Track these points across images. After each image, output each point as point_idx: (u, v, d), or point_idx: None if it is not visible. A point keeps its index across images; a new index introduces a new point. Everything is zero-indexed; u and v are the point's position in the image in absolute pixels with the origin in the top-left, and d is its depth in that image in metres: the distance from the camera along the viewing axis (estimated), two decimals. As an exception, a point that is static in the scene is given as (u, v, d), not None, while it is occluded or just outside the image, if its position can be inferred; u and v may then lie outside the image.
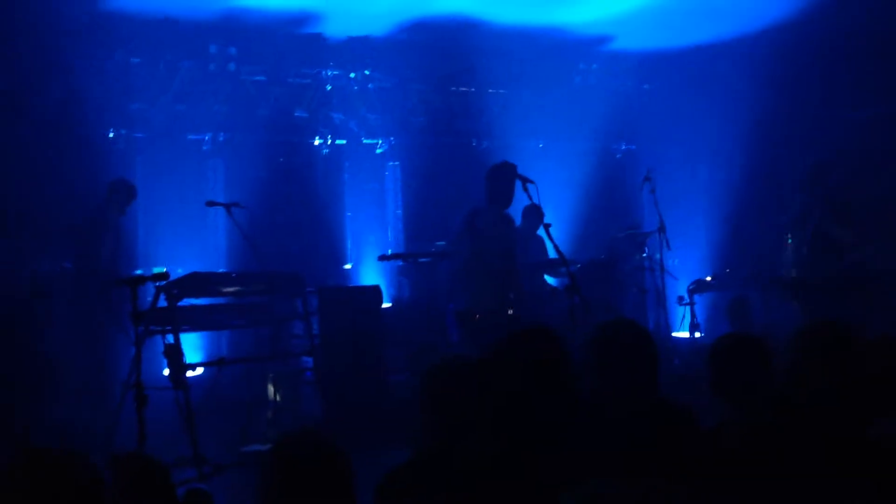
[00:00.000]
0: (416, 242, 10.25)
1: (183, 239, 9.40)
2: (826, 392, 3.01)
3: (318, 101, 10.67)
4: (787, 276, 7.89)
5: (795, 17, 9.65)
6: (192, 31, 9.43)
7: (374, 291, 8.16)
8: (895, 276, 7.59)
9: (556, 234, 6.96)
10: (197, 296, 6.79)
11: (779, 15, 9.72)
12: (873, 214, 8.44)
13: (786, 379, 3.14)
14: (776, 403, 3.14)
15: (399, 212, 11.33)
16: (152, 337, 6.27)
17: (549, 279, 9.52)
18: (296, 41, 10.09)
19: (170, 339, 6.14)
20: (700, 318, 9.37)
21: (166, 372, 6.23)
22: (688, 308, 9.24)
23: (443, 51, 10.41)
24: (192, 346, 8.19)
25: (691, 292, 9.37)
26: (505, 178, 7.22)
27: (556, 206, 10.79)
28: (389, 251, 10.17)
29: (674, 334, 9.70)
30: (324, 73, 10.59)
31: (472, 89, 11.33)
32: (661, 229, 9.08)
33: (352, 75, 10.70)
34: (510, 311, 7.18)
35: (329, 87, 10.67)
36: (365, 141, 11.11)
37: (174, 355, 6.06)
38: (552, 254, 7.57)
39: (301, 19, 9.63)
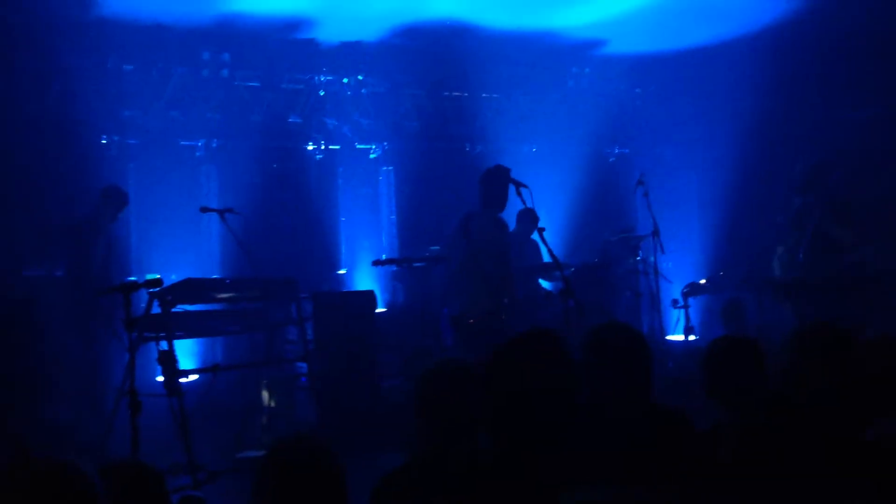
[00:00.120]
0: (411, 247, 10.25)
1: (177, 245, 9.39)
2: (824, 393, 3.02)
3: (311, 106, 10.67)
4: (783, 278, 7.90)
5: (788, 19, 9.68)
6: (185, 37, 9.43)
7: (369, 296, 8.16)
8: (894, 277, 7.61)
9: (550, 238, 6.96)
10: (191, 302, 6.77)
11: (771, 17, 9.75)
12: (872, 215, 8.46)
13: (783, 380, 3.15)
14: (771, 405, 3.14)
15: (393, 216, 11.33)
16: (146, 343, 6.25)
17: (544, 283, 9.53)
18: (289, 47, 10.09)
19: (164, 345, 6.13)
20: (694, 321, 9.39)
21: (160, 378, 6.22)
22: (682, 311, 9.26)
23: (436, 56, 10.42)
24: (187, 353, 8.18)
25: (685, 295, 9.39)
26: (499, 182, 7.22)
27: (549, 210, 10.81)
28: (383, 256, 10.18)
29: (668, 337, 9.71)
30: (317, 78, 10.59)
31: (466, 94, 11.34)
32: (655, 232, 9.09)
33: (345, 80, 10.71)
34: (504, 316, 7.18)
35: (322, 93, 10.67)
36: (358, 146, 11.11)
37: (168, 362, 6.04)
38: (546, 258, 7.58)
39: (294, 25, 9.64)
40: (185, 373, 6.41)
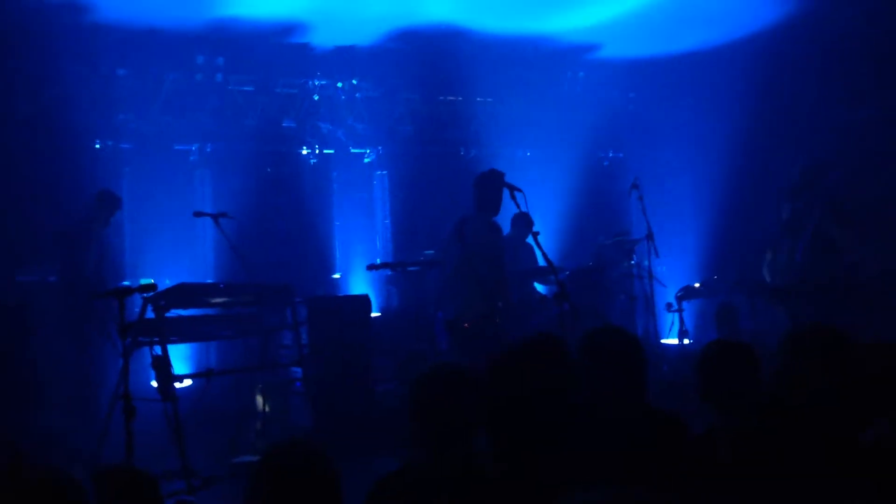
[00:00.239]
0: (405, 251, 10.25)
1: (170, 250, 9.37)
2: (819, 394, 3.02)
3: (305, 110, 10.68)
4: (777, 282, 7.91)
5: (781, 23, 9.70)
6: (179, 41, 9.42)
7: (363, 301, 8.15)
8: (891, 278, 7.62)
9: (545, 242, 6.96)
10: (185, 307, 6.76)
11: (764, 21, 9.78)
12: (868, 216, 8.48)
13: (777, 382, 3.15)
14: (765, 408, 3.14)
15: (387, 221, 11.33)
16: (140, 348, 6.24)
17: (539, 287, 9.53)
18: (283, 51, 10.09)
19: (158, 350, 6.11)
20: (689, 325, 9.39)
21: (154, 383, 6.20)
22: (676, 315, 9.26)
23: (430, 60, 10.43)
24: (181, 358, 8.16)
25: (679, 299, 9.39)
26: (493, 186, 7.22)
27: (544, 214, 10.81)
28: (378, 260, 10.16)
29: (662, 341, 9.71)
30: (311, 82, 10.60)
31: (460, 98, 11.35)
32: (649, 236, 9.10)
33: (339, 85, 10.71)
34: (499, 320, 7.17)
35: (316, 97, 10.67)
36: (353, 150, 11.12)
37: (162, 367, 6.03)
38: (541, 262, 7.58)
39: (288, 29, 9.64)
40: (180, 378, 6.39)
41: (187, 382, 6.92)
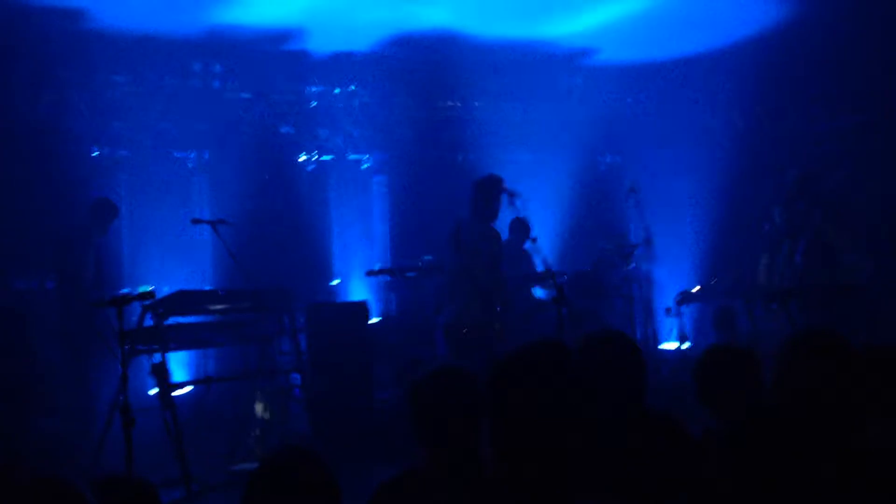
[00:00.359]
0: (404, 257, 10.24)
1: (169, 257, 9.37)
2: (816, 398, 3.02)
3: (303, 117, 10.67)
4: (775, 286, 7.92)
5: (777, 28, 9.71)
6: (176, 48, 9.42)
7: (362, 307, 8.15)
8: (885, 280, 7.65)
9: (543, 247, 6.97)
10: (183, 314, 6.77)
11: (760, 26, 9.78)
12: (860, 220, 8.51)
13: (775, 386, 3.15)
14: (763, 412, 3.14)
15: (386, 226, 11.33)
16: (139, 356, 6.23)
17: (537, 291, 9.53)
18: (280, 58, 10.09)
19: (157, 358, 6.11)
20: (687, 329, 9.40)
21: (153, 391, 6.20)
22: (675, 319, 9.26)
23: (427, 66, 10.43)
24: (180, 364, 8.16)
25: (678, 303, 9.40)
26: (491, 191, 7.23)
27: (542, 218, 10.81)
28: (377, 266, 10.16)
29: (661, 345, 9.71)
30: (308, 89, 10.60)
31: (458, 103, 11.35)
32: (648, 241, 9.11)
33: (336, 91, 10.71)
34: (497, 325, 7.17)
35: (314, 104, 10.67)
36: (350, 156, 11.12)
37: (161, 374, 6.03)
38: (539, 266, 7.58)
39: (285, 36, 9.64)
40: (179, 385, 6.39)
41: (186, 389, 6.91)
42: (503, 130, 11.30)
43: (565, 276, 8.98)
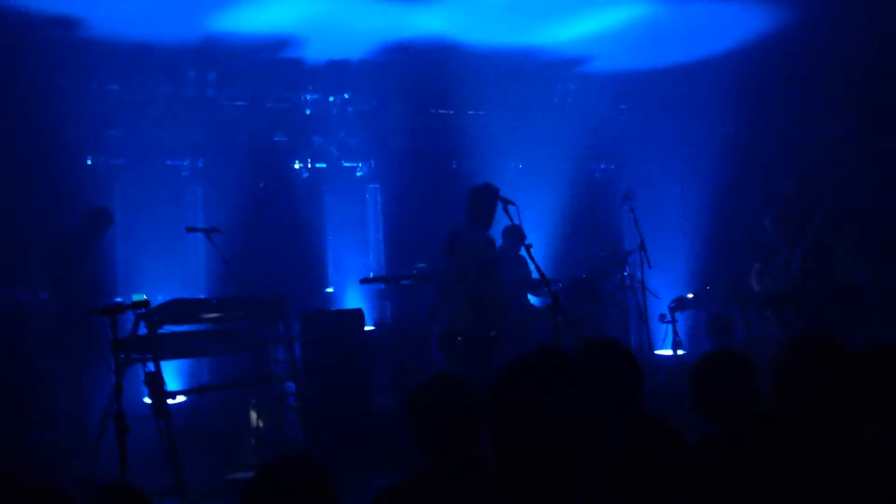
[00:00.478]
0: (398, 265, 10.24)
1: (163, 265, 9.34)
2: (813, 402, 3.02)
3: (297, 125, 10.68)
4: (770, 292, 7.94)
5: (769, 36, 9.75)
6: (170, 56, 9.42)
7: (357, 315, 8.15)
8: (881, 285, 7.68)
9: (537, 254, 6.99)
10: (178, 322, 6.75)
11: (752, 34, 9.83)
12: (856, 226, 8.55)
13: (774, 388, 3.15)
14: (759, 416, 3.14)
15: (380, 234, 11.33)
16: (133, 365, 6.22)
17: (532, 299, 9.54)
18: (274, 66, 10.09)
19: (151, 367, 6.10)
20: (682, 336, 9.41)
21: (148, 400, 6.18)
22: (670, 326, 9.27)
23: (421, 73, 10.44)
24: (174, 373, 8.13)
25: (672, 310, 9.41)
26: (487, 199, 7.25)
27: (536, 226, 10.82)
28: (371, 274, 10.16)
29: (656, 352, 9.72)
30: (303, 97, 10.60)
31: (451, 111, 11.37)
32: (642, 247, 9.12)
33: (331, 99, 10.72)
34: (492, 332, 7.17)
35: (308, 111, 10.68)
36: (345, 164, 11.12)
37: (155, 383, 6.02)
38: (534, 274, 7.59)
39: (279, 44, 9.64)
40: (173, 394, 6.37)
41: (180, 398, 6.89)
42: (497, 138, 11.31)
43: (560, 284, 8.99)
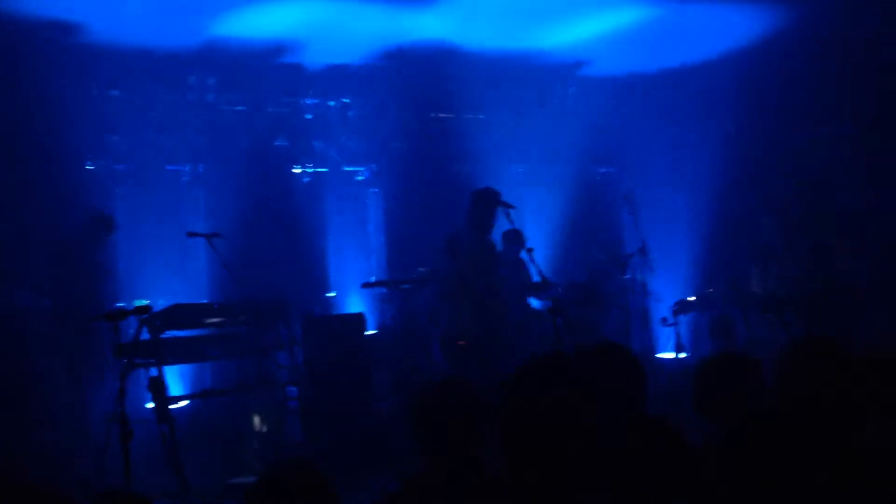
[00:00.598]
0: (399, 269, 10.24)
1: (164, 270, 9.35)
2: (814, 405, 3.02)
3: (298, 129, 10.69)
4: (771, 293, 7.95)
5: (769, 38, 9.76)
6: (170, 62, 9.42)
7: (358, 319, 8.15)
8: (881, 284, 7.68)
9: (538, 258, 6.99)
10: (180, 327, 6.77)
11: (752, 37, 9.83)
12: (856, 227, 8.56)
13: (776, 389, 3.15)
14: (763, 414, 3.14)
15: (381, 238, 11.32)
16: (136, 369, 6.23)
17: (533, 302, 9.53)
18: (274, 71, 10.10)
19: (153, 371, 6.11)
20: (684, 338, 9.39)
21: (150, 405, 6.19)
22: (672, 329, 9.26)
23: (421, 77, 10.45)
24: (176, 377, 8.14)
25: (675, 313, 9.40)
26: (487, 203, 7.26)
27: (536, 229, 10.82)
28: (372, 278, 10.16)
29: (658, 355, 9.72)
30: (303, 101, 10.61)
31: (451, 115, 11.37)
32: (643, 250, 9.12)
33: (331, 103, 10.73)
34: (493, 335, 7.18)
35: (309, 116, 10.69)
36: (346, 168, 11.13)
37: (158, 388, 6.03)
38: (535, 277, 7.60)
39: (279, 49, 9.66)
40: (176, 399, 6.38)
41: (183, 403, 6.90)
42: (497, 141, 11.31)
43: (561, 287, 8.99)
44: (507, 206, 7.00)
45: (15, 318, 8.12)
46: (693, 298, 9.75)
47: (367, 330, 8.33)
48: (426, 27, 9.38)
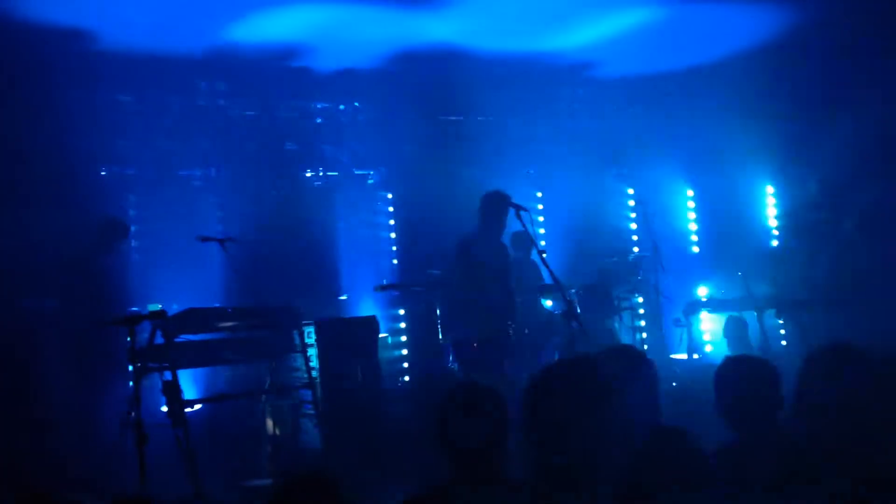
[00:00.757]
0: (411, 271, 10.25)
1: (177, 275, 9.37)
2: (836, 412, 3.01)
3: (308, 134, 10.71)
4: (788, 295, 7.92)
5: (777, 39, 9.74)
6: (180, 67, 9.45)
7: (371, 322, 8.16)
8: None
9: (549, 260, 6.99)
10: (193, 332, 6.78)
11: (762, 37, 9.81)
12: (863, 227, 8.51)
13: (796, 400, 3.14)
14: (782, 424, 3.14)
15: (392, 241, 11.34)
16: (150, 374, 6.25)
17: (545, 305, 9.53)
18: (284, 75, 10.12)
19: (168, 376, 6.13)
20: (696, 340, 9.39)
21: (164, 408, 6.21)
22: (684, 330, 9.25)
23: (430, 81, 10.46)
24: (190, 381, 8.16)
25: (687, 314, 9.39)
26: (499, 205, 7.27)
27: (548, 231, 10.83)
28: (385, 281, 10.17)
29: (671, 356, 9.70)
30: (313, 105, 10.63)
31: (461, 118, 11.38)
32: (655, 251, 9.11)
33: (341, 107, 10.75)
34: (508, 339, 7.18)
35: (319, 120, 10.71)
36: (356, 172, 11.14)
37: (173, 392, 6.05)
38: (547, 279, 7.60)
39: (289, 53, 9.67)
40: (190, 402, 6.40)
41: (197, 407, 6.92)
42: (507, 144, 11.32)
43: (573, 289, 8.99)
44: (519, 207, 7.00)
45: (27, 323, 8.16)
46: (705, 300, 9.73)
47: (379, 333, 8.34)
48: (435, 30, 9.38)
